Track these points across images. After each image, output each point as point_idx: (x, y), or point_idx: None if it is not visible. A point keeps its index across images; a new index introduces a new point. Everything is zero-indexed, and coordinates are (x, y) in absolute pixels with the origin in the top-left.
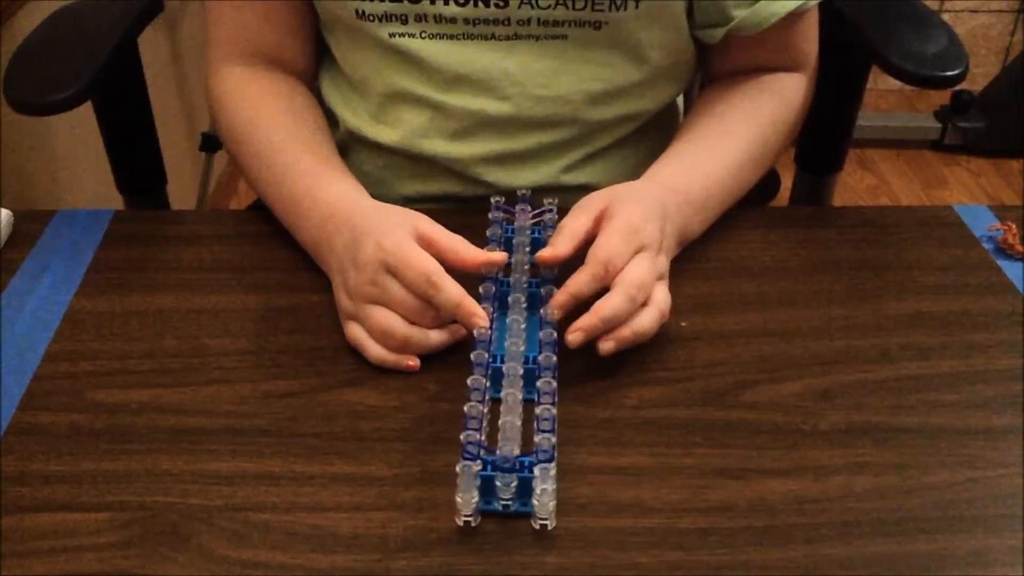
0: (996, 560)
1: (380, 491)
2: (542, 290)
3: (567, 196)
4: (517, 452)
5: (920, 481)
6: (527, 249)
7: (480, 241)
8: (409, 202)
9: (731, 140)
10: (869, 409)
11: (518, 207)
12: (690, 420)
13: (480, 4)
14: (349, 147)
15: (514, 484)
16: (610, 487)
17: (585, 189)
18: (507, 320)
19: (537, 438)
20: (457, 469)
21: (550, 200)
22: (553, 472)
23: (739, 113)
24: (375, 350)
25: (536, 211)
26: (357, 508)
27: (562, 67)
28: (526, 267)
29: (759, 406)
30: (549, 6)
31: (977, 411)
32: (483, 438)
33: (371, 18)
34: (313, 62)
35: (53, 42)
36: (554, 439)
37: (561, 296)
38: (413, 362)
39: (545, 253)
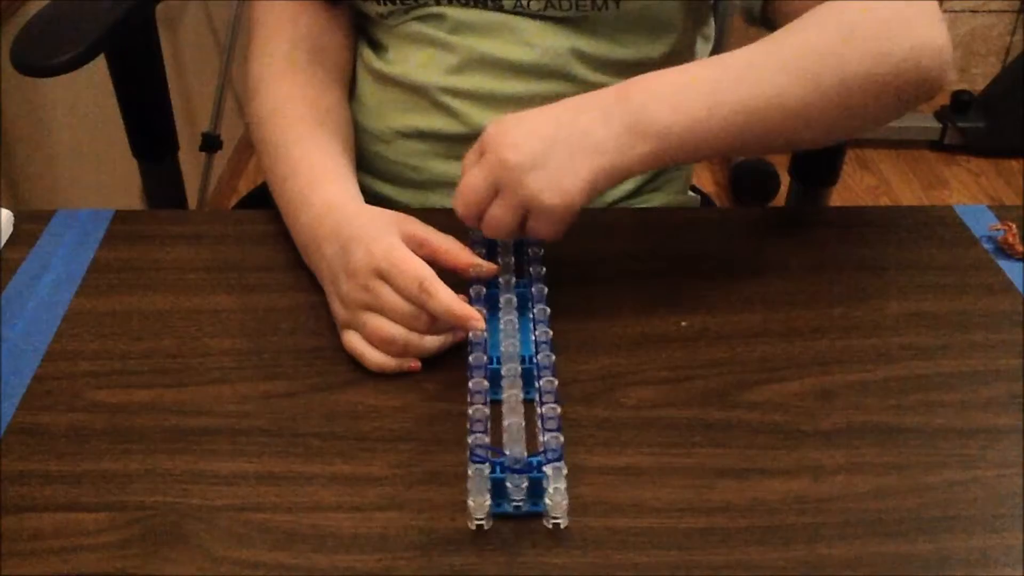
0: (996, 560)
1: (380, 491)
2: (532, 289)
3: None
4: (525, 453)
5: (920, 481)
6: (511, 249)
7: (463, 241)
8: (400, 136)
9: (740, 53)
10: (869, 409)
11: None
12: (690, 420)
13: (479, 7)
14: (356, 73)
15: (525, 485)
16: (610, 487)
17: None
18: (500, 322)
19: (545, 437)
20: (469, 473)
21: None
22: (565, 471)
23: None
24: (375, 358)
25: None
26: (357, 508)
27: (553, 28)
28: (512, 267)
29: (759, 406)
30: (539, 8)
31: (977, 411)
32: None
33: (383, 15)
34: (352, 56)
35: (61, 14)
36: (561, 437)
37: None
38: (415, 363)
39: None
